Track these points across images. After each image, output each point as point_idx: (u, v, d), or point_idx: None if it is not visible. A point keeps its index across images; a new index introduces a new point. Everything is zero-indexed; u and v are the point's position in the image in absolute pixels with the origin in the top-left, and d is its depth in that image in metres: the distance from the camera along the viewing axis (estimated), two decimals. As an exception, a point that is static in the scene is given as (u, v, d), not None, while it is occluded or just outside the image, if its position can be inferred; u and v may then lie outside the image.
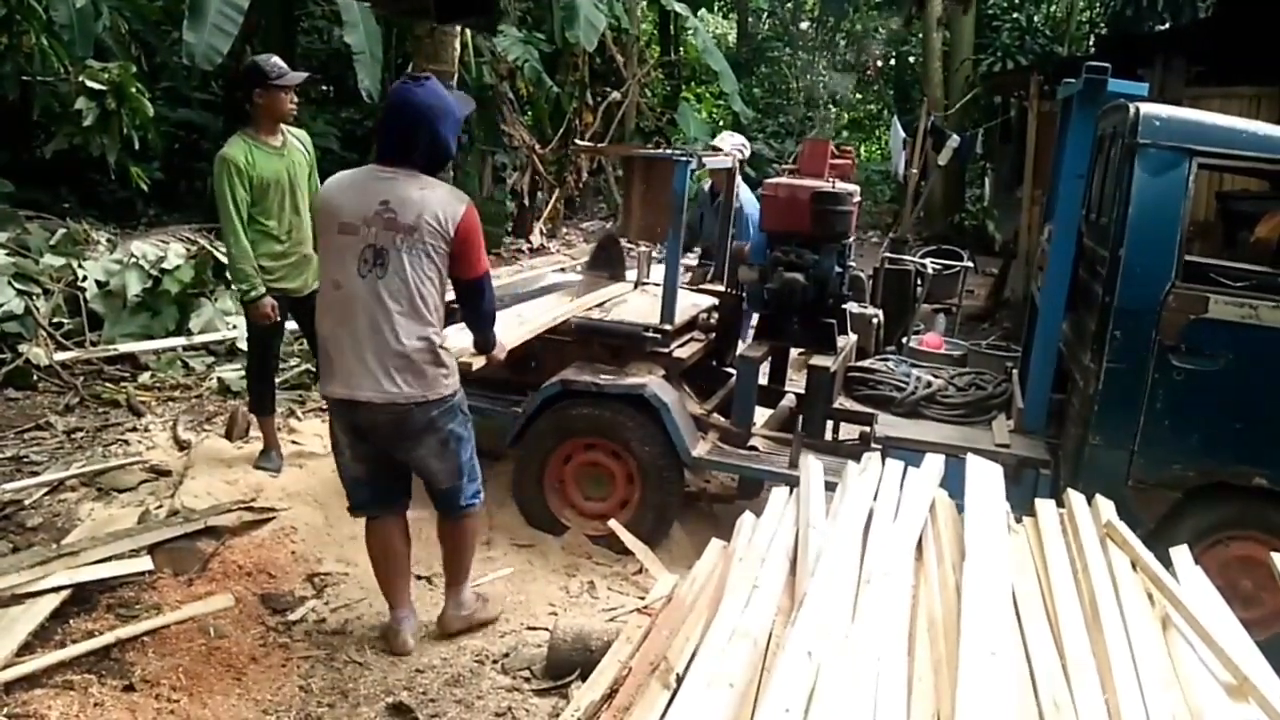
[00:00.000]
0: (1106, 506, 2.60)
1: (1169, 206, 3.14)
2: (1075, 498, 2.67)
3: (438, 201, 2.60)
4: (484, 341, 3.01)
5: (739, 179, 4.85)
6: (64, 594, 2.86)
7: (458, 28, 8.73)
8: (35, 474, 3.88)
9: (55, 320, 5.39)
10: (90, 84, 6.15)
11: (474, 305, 2.85)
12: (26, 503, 3.62)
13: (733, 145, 5.13)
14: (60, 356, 5.12)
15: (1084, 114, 3.49)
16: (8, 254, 5.59)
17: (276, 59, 3.86)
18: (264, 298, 3.78)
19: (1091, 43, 14.04)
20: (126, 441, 4.31)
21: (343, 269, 2.60)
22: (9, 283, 5.34)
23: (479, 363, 3.04)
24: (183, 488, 3.68)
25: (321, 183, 3.94)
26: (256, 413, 4.14)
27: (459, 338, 3.64)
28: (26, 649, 2.62)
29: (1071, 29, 14.56)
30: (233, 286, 4.03)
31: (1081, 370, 3.42)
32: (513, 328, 3.58)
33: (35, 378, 4.94)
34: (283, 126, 3.90)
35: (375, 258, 2.57)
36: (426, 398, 2.67)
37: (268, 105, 3.78)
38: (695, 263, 5.11)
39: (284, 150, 3.88)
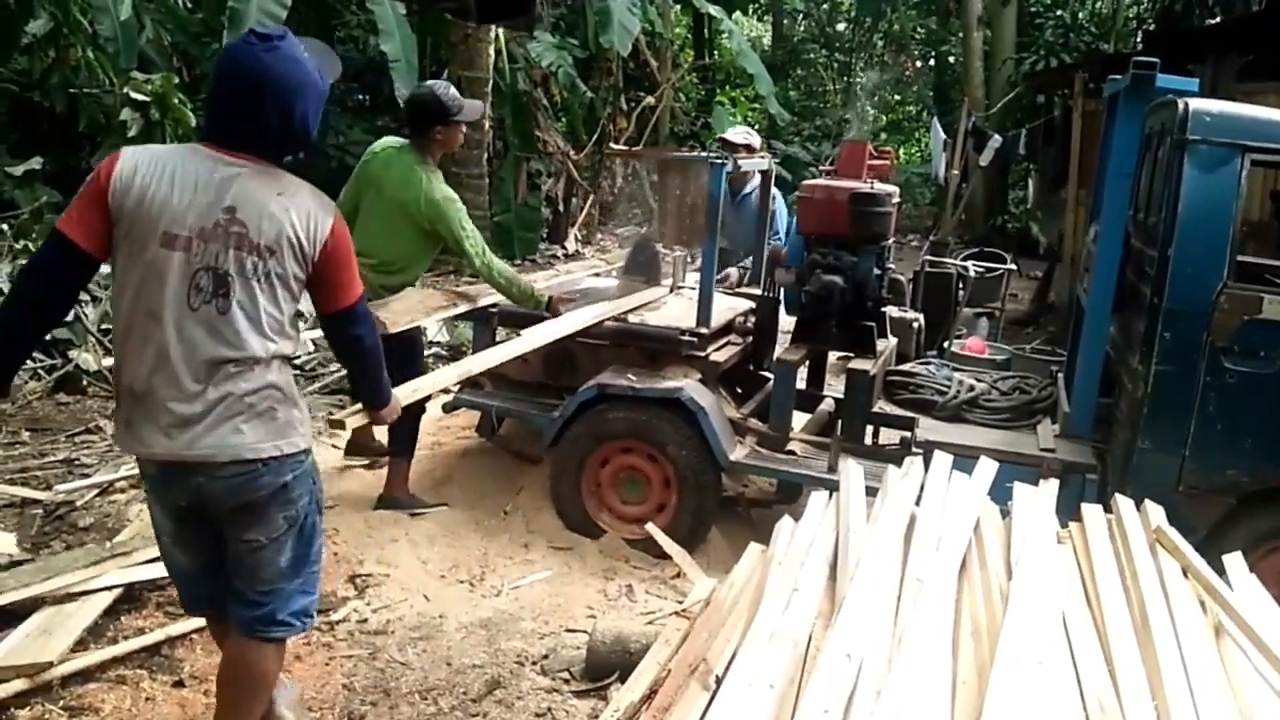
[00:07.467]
0: (1156, 512, 2.54)
1: (1220, 205, 3.06)
2: (1124, 503, 2.61)
3: (302, 213, 1.96)
4: (375, 392, 2.30)
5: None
6: (116, 592, 2.94)
7: (493, 34, 8.85)
8: (86, 476, 3.98)
9: (104, 327, 5.54)
10: (134, 95, 6.34)
11: (352, 342, 2.17)
12: (78, 504, 3.71)
13: (745, 137, 5.03)
14: (109, 362, 5.25)
15: (1131, 110, 3.41)
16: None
17: (454, 91, 3.70)
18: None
19: (1139, 39, 13.76)
20: (174, 444, 4.41)
21: (161, 295, 1.90)
22: (60, 290, 5.50)
23: (356, 422, 2.39)
24: (228, 489, 3.75)
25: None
26: None
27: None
28: (81, 645, 2.69)
29: (1118, 25, 14.27)
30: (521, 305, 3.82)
31: (1130, 373, 3.34)
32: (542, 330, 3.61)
33: (85, 382, 5.09)
34: None
35: (215, 285, 1.91)
36: (281, 451, 2.00)
37: (446, 140, 3.69)
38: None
39: None
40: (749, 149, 4.95)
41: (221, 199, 1.91)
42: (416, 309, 3.56)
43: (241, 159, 1.95)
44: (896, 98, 20.29)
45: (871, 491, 2.68)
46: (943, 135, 11.26)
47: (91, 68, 6.81)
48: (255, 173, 1.95)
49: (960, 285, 6.34)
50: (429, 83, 3.94)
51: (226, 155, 1.94)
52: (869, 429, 4.03)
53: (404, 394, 2.56)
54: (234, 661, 2.17)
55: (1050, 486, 2.74)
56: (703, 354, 3.85)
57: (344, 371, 5.49)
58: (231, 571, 2.10)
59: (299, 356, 5.49)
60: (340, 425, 2.32)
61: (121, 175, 1.89)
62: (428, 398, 3.41)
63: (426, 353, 4.93)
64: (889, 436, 4.10)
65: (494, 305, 4.04)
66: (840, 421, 4.01)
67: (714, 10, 11.86)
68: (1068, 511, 2.68)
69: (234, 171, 1.94)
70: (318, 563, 2.20)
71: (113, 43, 6.81)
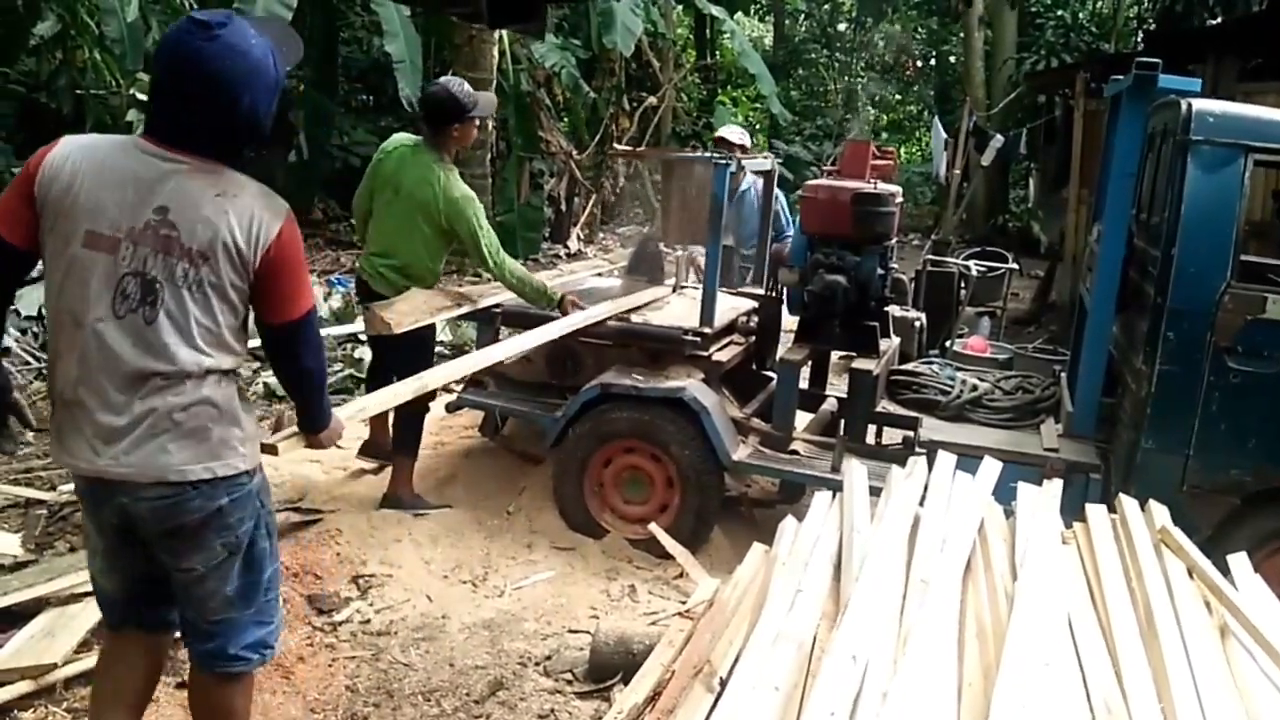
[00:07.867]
0: (1160, 512, 2.54)
1: (1223, 205, 3.07)
2: (1128, 503, 2.61)
3: (243, 216, 1.77)
4: (312, 418, 2.09)
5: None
6: (119, 593, 2.94)
7: (496, 34, 8.86)
8: (90, 476, 3.98)
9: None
10: (140, 96, 6.36)
11: (290, 361, 1.98)
12: (82, 504, 3.72)
13: (739, 136, 5.38)
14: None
15: (1133, 111, 3.41)
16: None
17: (468, 87, 3.70)
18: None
19: (1139, 39, 13.76)
20: (177, 444, 4.41)
21: (84, 298, 1.75)
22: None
23: (290, 447, 2.15)
24: (231, 490, 3.75)
25: None
26: None
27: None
28: (85, 646, 2.69)
29: (1119, 25, 14.26)
30: (540, 304, 3.83)
31: (1133, 373, 3.34)
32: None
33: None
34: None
35: (142, 293, 1.75)
36: (213, 473, 1.83)
37: (462, 136, 3.70)
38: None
39: None
40: (743, 148, 5.20)
41: (153, 198, 1.74)
42: (421, 309, 3.56)
43: (183, 156, 1.77)
44: (898, 97, 20.28)
45: (875, 491, 2.67)
46: (944, 135, 11.25)
47: (98, 69, 6.83)
48: (195, 171, 1.77)
49: (962, 285, 6.34)
50: (442, 79, 3.93)
51: (167, 151, 1.77)
52: (872, 429, 4.03)
53: (347, 414, 2.40)
54: (197, 697, 2.06)
55: (1054, 486, 2.73)
56: (706, 354, 3.85)
57: (345, 371, 5.53)
58: (181, 602, 1.97)
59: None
60: (273, 450, 2.10)
61: (52, 163, 1.75)
62: (431, 395, 3.40)
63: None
64: (892, 436, 4.11)
65: (497, 305, 4.04)
66: (843, 421, 4.02)
67: (716, 11, 11.86)
68: (1072, 511, 2.68)
69: (171, 169, 1.76)
70: (273, 590, 2.04)
71: (119, 44, 6.82)
